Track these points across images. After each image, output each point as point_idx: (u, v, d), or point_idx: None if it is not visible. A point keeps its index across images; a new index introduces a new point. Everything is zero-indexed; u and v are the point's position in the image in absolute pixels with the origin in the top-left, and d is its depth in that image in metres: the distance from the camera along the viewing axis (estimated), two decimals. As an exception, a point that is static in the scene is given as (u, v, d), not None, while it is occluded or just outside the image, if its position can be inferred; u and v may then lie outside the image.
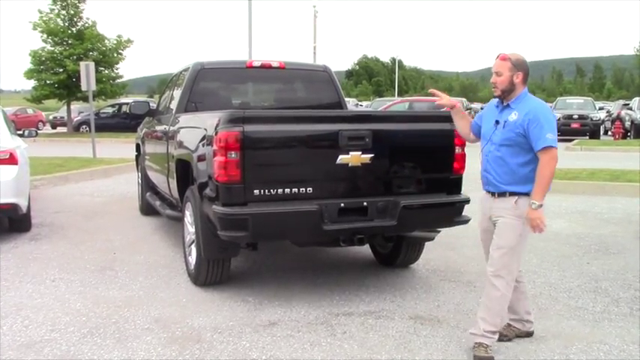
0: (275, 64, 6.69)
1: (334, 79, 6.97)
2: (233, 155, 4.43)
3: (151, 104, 8.53)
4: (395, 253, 5.83)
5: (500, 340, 4.06)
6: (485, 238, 4.08)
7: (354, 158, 4.67)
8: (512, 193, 3.81)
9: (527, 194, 3.77)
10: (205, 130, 4.85)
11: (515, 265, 3.91)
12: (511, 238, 3.83)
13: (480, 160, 4.02)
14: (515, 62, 3.82)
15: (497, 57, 3.89)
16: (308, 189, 4.64)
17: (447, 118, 5.13)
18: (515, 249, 3.85)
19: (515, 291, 4.02)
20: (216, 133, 4.51)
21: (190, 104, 6.39)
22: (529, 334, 4.18)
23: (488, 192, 3.97)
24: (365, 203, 4.77)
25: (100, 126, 25.49)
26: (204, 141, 4.84)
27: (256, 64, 6.71)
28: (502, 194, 3.86)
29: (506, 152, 3.81)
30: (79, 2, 27.80)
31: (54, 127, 36.16)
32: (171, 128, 6.26)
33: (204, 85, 6.54)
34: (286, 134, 4.66)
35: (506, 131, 3.80)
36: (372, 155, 4.72)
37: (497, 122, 3.88)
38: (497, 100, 3.98)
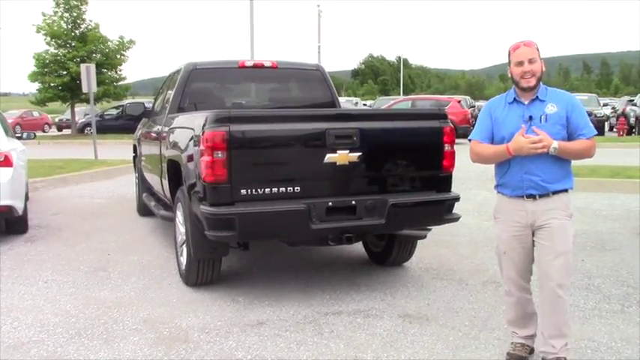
0: (267, 64, 6.70)
1: (327, 77, 6.97)
2: (219, 155, 4.43)
3: (146, 105, 8.55)
4: (387, 252, 5.82)
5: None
6: (514, 248, 3.62)
7: (341, 157, 4.66)
8: (555, 192, 3.49)
9: (566, 190, 3.55)
10: (193, 130, 4.86)
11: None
12: (569, 240, 3.53)
13: (507, 163, 3.54)
14: (539, 49, 3.50)
15: (521, 44, 3.49)
16: (296, 188, 4.64)
17: (436, 116, 5.13)
18: (571, 250, 3.56)
19: (528, 305, 3.73)
20: (202, 133, 4.51)
21: (183, 105, 6.41)
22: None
23: (526, 196, 3.51)
24: (353, 202, 4.76)
25: (104, 128, 25.65)
26: (192, 141, 4.85)
27: (248, 63, 6.72)
28: (545, 195, 3.49)
29: None
30: (81, 4, 27.92)
31: (60, 129, 36.38)
32: (164, 129, 6.27)
33: (196, 86, 6.55)
34: (273, 134, 4.66)
35: (552, 125, 3.44)
36: (360, 154, 4.71)
37: (530, 118, 3.46)
38: (506, 95, 3.61)
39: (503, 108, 3.59)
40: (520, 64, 3.46)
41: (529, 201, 3.52)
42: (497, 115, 3.60)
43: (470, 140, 3.73)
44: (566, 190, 3.54)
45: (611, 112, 30.87)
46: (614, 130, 27.17)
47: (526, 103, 3.52)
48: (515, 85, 3.55)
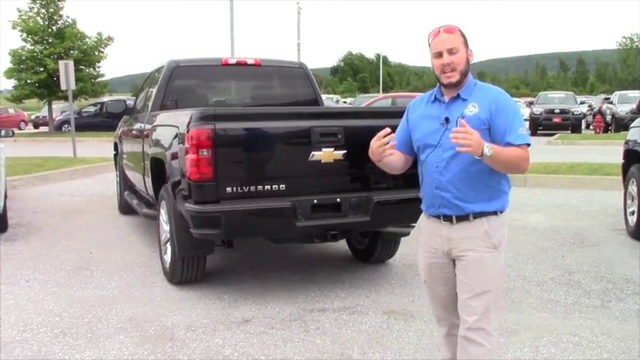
0: (250, 61, 6.69)
1: (310, 75, 6.99)
2: (205, 153, 4.43)
3: (127, 102, 8.49)
4: (371, 249, 5.86)
5: None
6: (434, 278, 2.99)
7: (326, 155, 4.68)
8: (477, 215, 2.79)
9: (495, 214, 2.82)
10: (178, 128, 4.84)
11: (500, 310, 2.99)
12: (492, 277, 2.83)
13: (421, 175, 2.99)
14: (465, 36, 2.81)
15: (440, 31, 2.79)
16: (281, 186, 4.66)
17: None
18: (499, 289, 2.89)
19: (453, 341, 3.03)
20: (187, 131, 4.50)
21: (165, 102, 6.38)
22: None
23: (441, 217, 2.86)
24: (338, 199, 4.78)
25: (82, 125, 25.28)
26: (177, 139, 4.83)
27: (231, 61, 6.71)
28: (464, 218, 2.81)
29: (469, 158, 2.67)
30: (58, 0, 27.58)
31: (36, 126, 35.94)
32: (147, 126, 6.24)
33: (179, 83, 6.52)
34: (258, 131, 4.66)
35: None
36: (345, 151, 4.73)
37: (447, 120, 2.78)
38: (430, 93, 2.93)
39: (424, 107, 2.94)
40: (439, 55, 2.77)
41: (445, 225, 2.86)
42: (414, 116, 2.97)
43: None
44: (494, 214, 2.82)
45: (588, 110, 31.34)
46: (591, 127, 27.55)
47: (446, 101, 2.85)
48: (437, 81, 2.87)
